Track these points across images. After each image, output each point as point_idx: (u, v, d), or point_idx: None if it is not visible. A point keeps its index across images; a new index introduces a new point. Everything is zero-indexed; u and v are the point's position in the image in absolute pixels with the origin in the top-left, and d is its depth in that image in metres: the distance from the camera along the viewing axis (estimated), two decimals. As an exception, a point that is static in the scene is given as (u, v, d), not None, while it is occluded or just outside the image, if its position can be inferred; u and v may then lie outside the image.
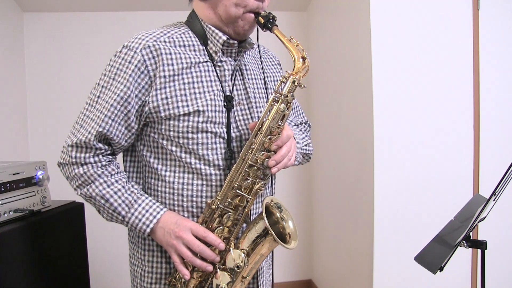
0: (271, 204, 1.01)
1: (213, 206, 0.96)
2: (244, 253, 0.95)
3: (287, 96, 0.95)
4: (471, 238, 1.08)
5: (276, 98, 0.95)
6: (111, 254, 2.68)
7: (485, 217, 1.16)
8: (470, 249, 1.88)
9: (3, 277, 1.31)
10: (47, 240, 1.53)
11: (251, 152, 0.95)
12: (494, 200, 1.05)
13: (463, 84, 1.93)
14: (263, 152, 0.96)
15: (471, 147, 1.95)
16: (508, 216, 1.96)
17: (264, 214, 0.93)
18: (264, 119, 0.95)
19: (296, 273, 2.99)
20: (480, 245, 1.07)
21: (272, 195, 1.08)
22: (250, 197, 0.97)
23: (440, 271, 1.01)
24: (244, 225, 1.01)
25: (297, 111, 1.26)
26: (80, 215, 1.71)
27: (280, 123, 0.96)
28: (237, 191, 0.96)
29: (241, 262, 0.94)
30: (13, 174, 1.44)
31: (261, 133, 0.94)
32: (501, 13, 1.95)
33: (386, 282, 1.91)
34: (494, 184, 1.02)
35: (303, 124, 1.28)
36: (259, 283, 1.08)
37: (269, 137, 0.95)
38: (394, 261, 1.90)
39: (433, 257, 1.06)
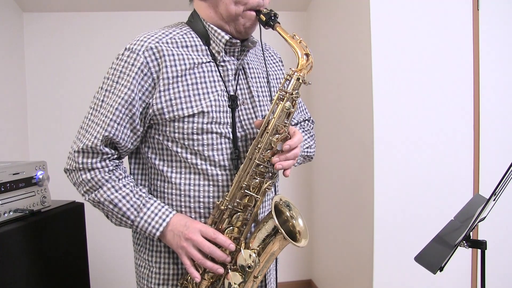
0: (280, 203, 1.01)
1: (222, 207, 0.96)
2: (255, 253, 0.95)
3: (292, 94, 0.95)
4: (471, 238, 1.08)
5: (281, 96, 0.95)
6: (111, 254, 2.68)
7: (485, 217, 1.16)
8: (470, 249, 1.88)
9: (3, 277, 1.31)
10: (47, 240, 1.53)
11: (258, 152, 0.94)
12: (494, 200, 1.05)
13: (463, 84, 1.94)
14: (269, 151, 0.95)
15: (471, 147, 1.95)
16: (508, 216, 1.96)
17: (273, 213, 0.93)
18: (270, 118, 0.95)
19: (296, 273, 2.99)
20: (480, 245, 1.07)
21: (276, 194, 1.08)
22: (258, 196, 0.97)
23: (440, 271, 1.01)
24: (253, 224, 1.01)
25: (300, 107, 1.25)
26: (80, 215, 1.71)
27: (286, 121, 0.96)
28: (246, 191, 0.95)
29: (252, 262, 0.94)
30: (13, 174, 1.44)
31: (267, 132, 0.94)
32: (501, 13, 1.96)
33: (386, 282, 1.91)
34: (494, 184, 1.02)
35: (306, 121, 1.27)
36: (267, 282, 1.09)
37: (276, 136, 0.95)
38: (394, 261, 1.90)
39: (433, 257, 1.06)
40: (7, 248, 1.34)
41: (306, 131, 1.23)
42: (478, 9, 1.92)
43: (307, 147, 1.18)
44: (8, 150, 2.42)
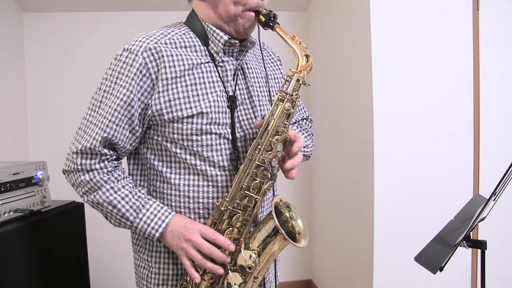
0: (280, 204, 1.01)
1: (222, 208, 0.96)
2: (255, 253, 0.95)
3: (292, 95, 0.95)
4: (471, 238, 1.08)
5: (281, 97, 0.95)
6: (111, 254, 2.68)
7: (485, 217, 1.16)
8: (470, 249, 1.88)
9: (3, 277, 1.31)
10: (47, 240, 1.53)
11: (258, 153, 0.94)
12: (494, 200, 1.05)
13: (463, 84, 1.93)
14: (269, 152, 0.95)
15: (471, 147, 1.95)
16: (508, 216, 1.96)
17: (273, 213, 0.93)
18: (270, 119, 0.95)
19: (296, 273, 2.99)
20: (480, 245, 1.07)
21: (274, 195, 1.08)
22: (258, 197, 0.97)
23: (440, 271, 1.01)
24: (253, 225, 1.01)
25: (298, 106, 1.25)
26: (80, 215, 1.71)
27: (286, 122, 0.96)
28: (246, 191, 0.95)
29: (253, 262, 0.94)
30: (13, 174, 1.44)
31: (267, 133, 0.94)
32: (501, 13, 1.95)
33: (386, 282, 1.91)
34: (494, 184, 1.02)
35: (304, 120, 1.27)
36: (265, 280, 1.09)
37: (275, 136, 0.95)
38: (394, 261, 1.90)
39: (433, 257, 1.06)
40: (7, 248, 1.34)
41: (303, 130, 1.23)
42: (478, 9, 1.92)
43: (304, 147, 1.18)
44: (8, 150, 2.42)
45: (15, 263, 1.37)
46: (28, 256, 1.43)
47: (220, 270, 0.95)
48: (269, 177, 0.98)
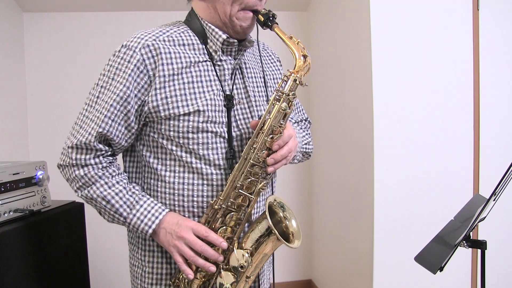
0: (274, 204, 1.01)
1: (216, 206, 0.95)
2: (247, 253, 0.95)
3: (288, 95, 0.95)
4: (471, 238, 1.08)
5: (277, 97, 0.95)
6: (111, 254, 2.68)
7: (485, 217, 1.16)
8: (470, 249, 1.88)
9: (3, 277, 1.31)
10: (47, 240, 1.53)
11: (253, 152, 0.94)
12: (494, 200, 1.05)
13: (463, 84, 1.93)
14: (265, 151, 0.95)
15: (471, 147, 1.95)
16: (508, 216, 1.96)
17: (267, 213, 0.93)
18: (266, 118, 0.95)
19: (296, 273, 2.99)
20: (480, 245, 1.07)
21: (272, 194, 1.08)
22: (253, 196, 0.96)
23: (440, 271, 1.01)
24: (247, 224, 1.01)
25: (297, 108, 1.26)
26: (80, 215, 1.71)
27: (282, 122, 0.96)
28: (240, 190, 0.95)
29: (245, 262, 0.94)
30: (13, 174, 1.44)
31: (263, 132, 0.94)
32: (501, 13, 1.95)
33: (386, 282, 1.91)
34: (494, 184, 1.02)
35: (303, 121, 1.27)
36: (260, 282, 1.08)
37: (271, 136, 0.95)
38: (394, 261, 1.90)
39: (433, 257, 1.06)
40: (7, 248, 1.34)
41: (303, 128, 1.24)
42: (478, 9, 1.92)
43: (305, 143, 1.18)
44: (8, 150, 2.42)
45: (15, 263, 1.37)
46: (28, 256, 1.43)
47: (212, 268, 0.94)
48: (264, 176, 0.98)
